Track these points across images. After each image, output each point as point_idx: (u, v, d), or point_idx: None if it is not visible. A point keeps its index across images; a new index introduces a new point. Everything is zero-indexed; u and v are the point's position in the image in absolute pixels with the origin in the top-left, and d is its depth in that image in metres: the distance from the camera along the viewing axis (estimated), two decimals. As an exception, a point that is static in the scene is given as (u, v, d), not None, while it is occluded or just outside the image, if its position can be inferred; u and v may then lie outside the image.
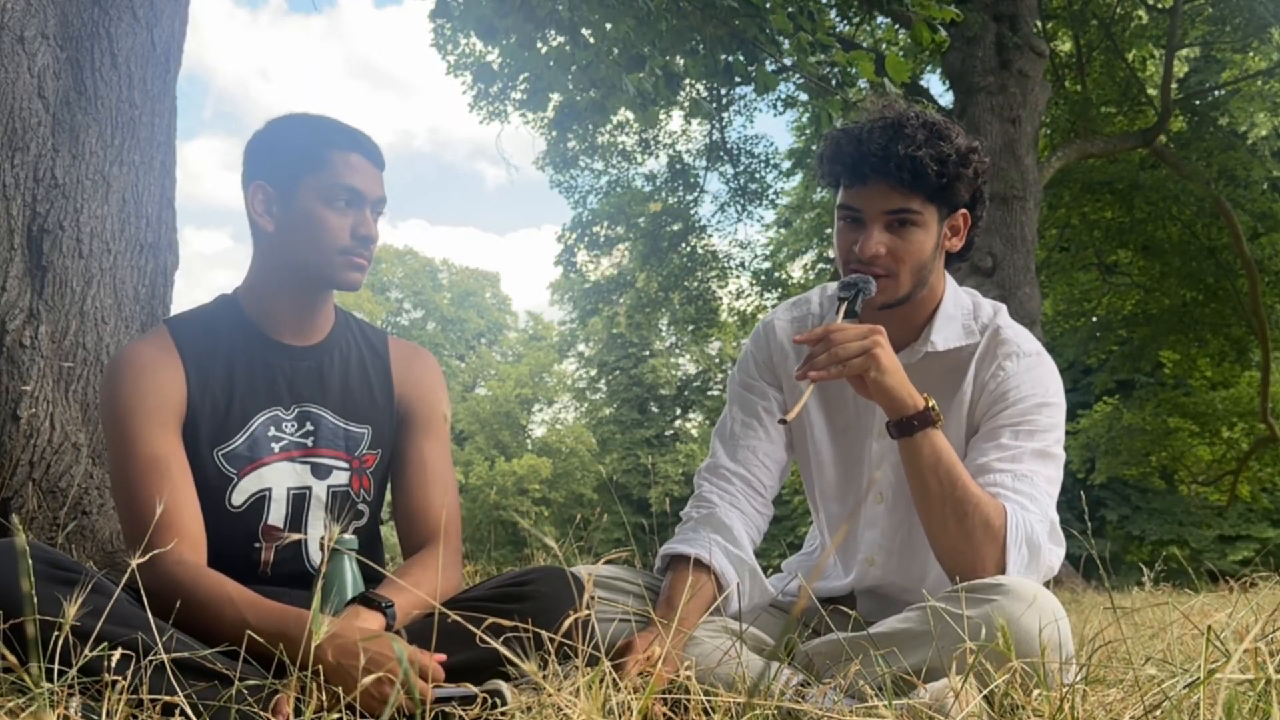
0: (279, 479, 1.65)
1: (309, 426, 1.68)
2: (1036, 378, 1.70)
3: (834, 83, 4.67)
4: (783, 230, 19.09)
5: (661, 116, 15.08)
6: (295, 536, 1.65)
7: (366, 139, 1.69)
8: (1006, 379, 1.69)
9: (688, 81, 4.55)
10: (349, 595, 1.52)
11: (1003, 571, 1.55)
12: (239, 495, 1.62)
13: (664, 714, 1.37)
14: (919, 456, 1.57)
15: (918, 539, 1.74)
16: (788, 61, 4.77)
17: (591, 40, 4.62)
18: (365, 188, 1.65)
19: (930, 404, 1.58)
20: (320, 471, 1.67)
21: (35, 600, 1.20)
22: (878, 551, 1.80)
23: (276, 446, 1.65)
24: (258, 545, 1.64)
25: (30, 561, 1.19)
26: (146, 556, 1.30)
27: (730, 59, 4.65)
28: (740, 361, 1.91)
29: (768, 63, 4.76)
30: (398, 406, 1.78)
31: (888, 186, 1.62)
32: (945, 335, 1.73)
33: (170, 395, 1.60)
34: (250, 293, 1.71)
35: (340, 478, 1.69)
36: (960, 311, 1.76)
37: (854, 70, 4.55)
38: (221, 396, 1.64)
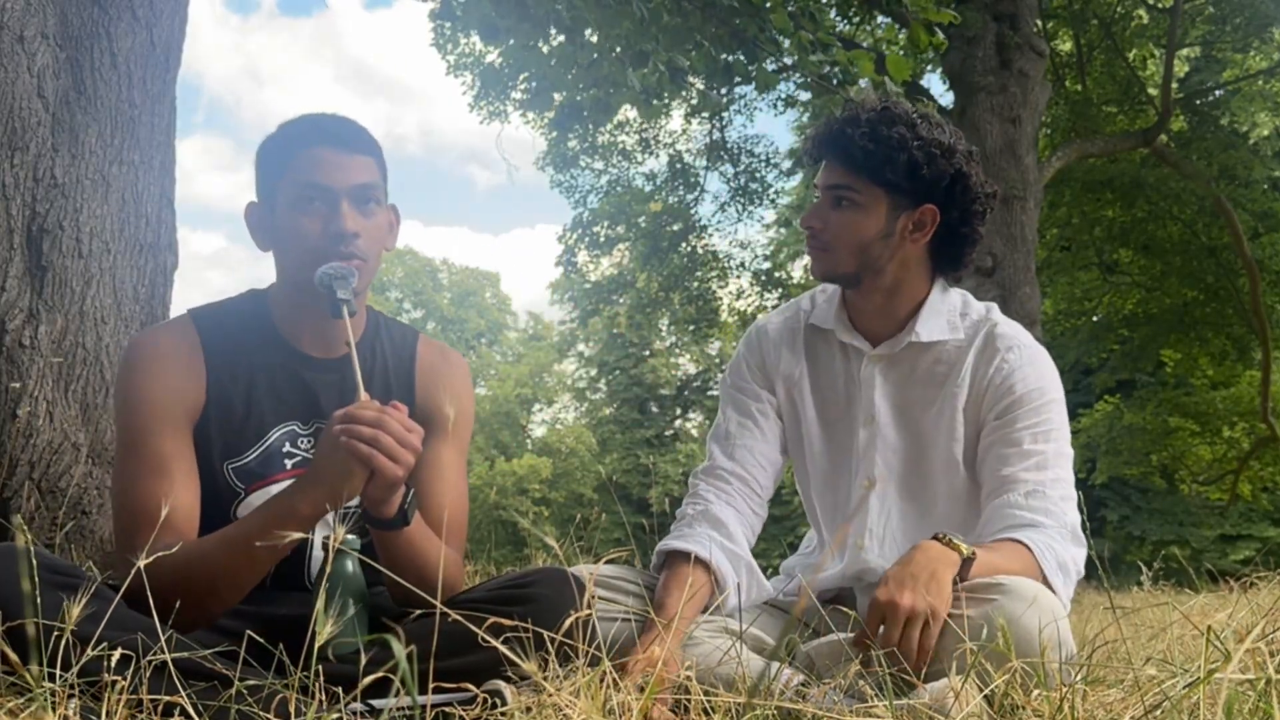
0: None
1: None
2: (1040, 371, 1.74)
3: (835, 81, 4.67)
4: (783, 230, 19.10)
5: (662, 115, 15.10)
6: (298, 536, 1.63)
7: (336, 126, 1.58)
8: (1011, 372, 1.72)
9: (690, 78, 4.55)
10: (351, 596, 1.51)
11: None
12: (245, 509, 1.58)
13: (665, 714, 1.37)
14: None
15: (909, 523, 1.78)
16: (788, 60, 4.77)
17: (594, 39, 4.62)
18: (332, 179, 1.53)
19: None
20: None
21: (38, 602, 1.20)
22: (866, 536, 1.81)
23: (289, 463, 1.61)
24: None
25: (31, 563, 1.19)
26: (150, 556, 1.27)
27: (730, 58, 4.65)
28: (733, 365, 1.92)
29: (768, 62, 4.75)
30: (418, 412, 1.69)
31: (830, 164, 1.74)
32: (930, 328, 1.76)
33: (186, 394, 1.55)
34: (276, 299, 1.66)
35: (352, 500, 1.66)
36: (946, 308, 1.79)
37: (855, 69, 4.54)
38: (239, 406, 1.58)
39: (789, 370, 1.86)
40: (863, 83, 4.60)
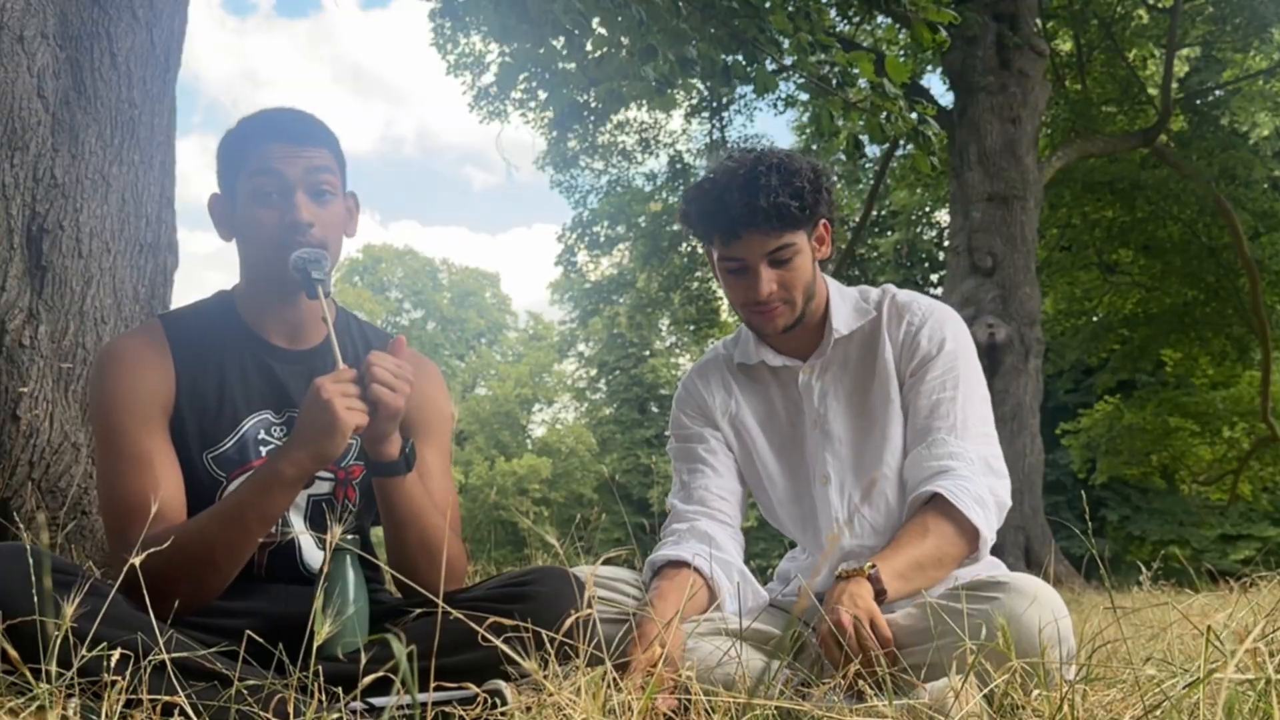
0: None
1: None
2: (941, 324, 1.86)
3: (834, 83, 4.66)
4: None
5: (662, 116, 15.09)
6: (301, 531, 1.64)
7: (288, 120, 1.63)
8: (917, 331, 1.85)
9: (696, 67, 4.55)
10: (351, 595, 1.51)
11: (976, 536, 1.68)
12: None
13: (665, 714, 1.37)
14: None
15: (869, 496, 1.85)
16: (788, 61, 4.77)
17: (603, 31, 4.61)
18: (285, 173, 1.59)
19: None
20: None
21: (38, 601, 1.20)
22: (836, 526, 1.86)
23: (264, 450, 1.63)
24: None
25: (34, 562, 1.19)
26: (141, 554, 1.28)
27: (730, 60, 4.65)
28: (673, 421, 2.01)
29: (768, 63, 4.74)
30: None
31: (760, 234, 1.74)
32: (843, 319, 1.88)
33: (158, 390, 1.59)
34: (242, 294, 1.70)
35: (323, 488, 1.67)
36: (845, 298, 1.90)
37: (854, 70, 4.54)
38: (211, 397, 1.62)
39: (725, 405, 1.95)
40: (862, 84, 4.59)
